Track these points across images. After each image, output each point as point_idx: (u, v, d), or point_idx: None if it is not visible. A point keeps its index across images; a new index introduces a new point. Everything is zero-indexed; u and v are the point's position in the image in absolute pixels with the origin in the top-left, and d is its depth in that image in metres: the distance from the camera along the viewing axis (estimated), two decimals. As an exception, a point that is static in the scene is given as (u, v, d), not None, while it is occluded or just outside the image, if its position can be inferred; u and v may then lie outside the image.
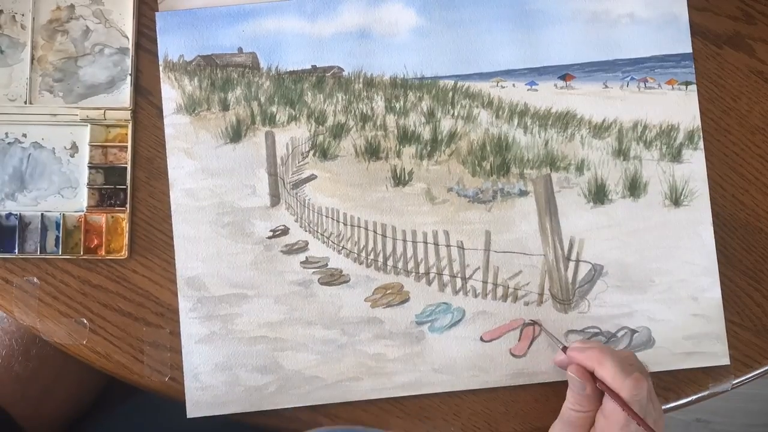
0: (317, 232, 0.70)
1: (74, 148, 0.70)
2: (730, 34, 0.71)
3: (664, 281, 0.69)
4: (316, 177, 0.71)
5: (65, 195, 0.70)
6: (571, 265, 0.70)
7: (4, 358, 0.71)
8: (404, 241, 0.70)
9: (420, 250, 0.70)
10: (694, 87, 0.71)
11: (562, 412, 0.64)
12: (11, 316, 0.69)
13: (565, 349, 0.65)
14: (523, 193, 0.70)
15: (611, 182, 0.70)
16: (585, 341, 0.67)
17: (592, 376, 0.62)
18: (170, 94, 0.71)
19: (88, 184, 0.70)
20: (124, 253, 0.69)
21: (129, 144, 0.70)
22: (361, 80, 0.71)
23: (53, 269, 0.69)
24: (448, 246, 0.70)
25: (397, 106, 0.71)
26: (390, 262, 0.70)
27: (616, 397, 0.60)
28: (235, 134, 0.71)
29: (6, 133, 0.70)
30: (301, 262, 0.70)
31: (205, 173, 0.70)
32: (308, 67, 0.71)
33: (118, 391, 0.80)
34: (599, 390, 0.62)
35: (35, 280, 0.69)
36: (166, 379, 0.69)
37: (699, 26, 0.71)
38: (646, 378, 0.60)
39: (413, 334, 0.69)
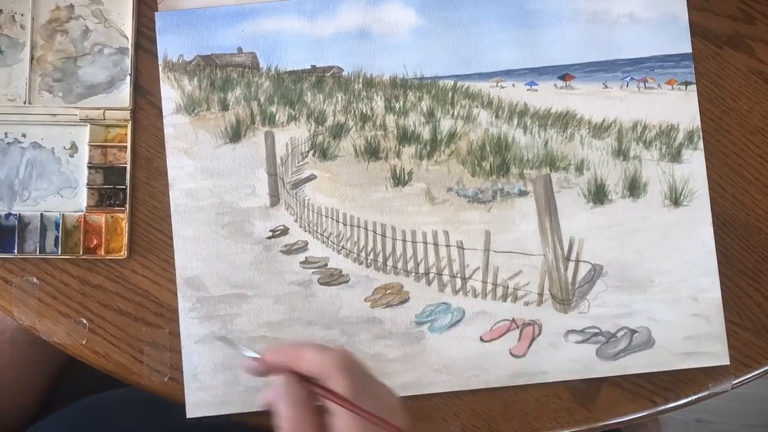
0: (317, 232, 0.70)
1: (74, 148, 0.70)
2: (730, 34, 0.71)
3: (664, 281, 0.69)
4: (315, 177, 0.71)
5: (65, 195, 0.70)
6: (571, 265, 0.70)
7: None
8: (404, 241, 0.70)
9: (420, 250, 0.70)
10: (693, 87, 0.71)
11: None
12: (10, 316, 0.69)
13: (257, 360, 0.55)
14: (522, 193, 0.70)
15: (611, 182, 0.70)
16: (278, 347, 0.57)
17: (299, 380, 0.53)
18: (170, 94, 0.70)
19: (87, 184, 0.70)
20: (123, 253, 0.69)
21: (128, 144, 0.70)
22: (360, 80, 0.71)
23: (53, 269, 0.69)
24: (447, 246, 0.70)
25: (397, 106, 0.71)
26: (390, 262, 0.70)
27: (330, 393, 0.52)
28: (235, 134, 0.71)
29: (5, 133, 0.70)
30: (300, 262, 0.70)
31: (205, 173, 0.70)
32: (308, 67, 0.71)
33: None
34: (308, 394, 0.53)
35: (35, 280, 0.69)
36: (166, 379, 0.69)
37: (699, 26, 0.71)
38: (345, 349, 0.54)
39: (413, 334, 0.69)
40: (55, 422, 0.73)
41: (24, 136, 0.70)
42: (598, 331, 0.69)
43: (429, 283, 0.70)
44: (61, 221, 0.69)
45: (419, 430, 0.69)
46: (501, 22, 0.71)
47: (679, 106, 0.71)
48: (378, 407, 0.53)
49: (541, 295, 0.69)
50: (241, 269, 0.69)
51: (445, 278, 0.70)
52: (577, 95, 0.71)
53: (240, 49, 0.71)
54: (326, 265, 0.70)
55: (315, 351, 0.53)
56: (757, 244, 0.70)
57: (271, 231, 0.70)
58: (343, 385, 0.52)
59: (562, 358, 0.69)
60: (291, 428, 0.52)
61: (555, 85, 0.71)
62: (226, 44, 0.71)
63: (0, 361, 0.74)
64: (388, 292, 0.70)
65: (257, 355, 0.55)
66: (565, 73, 0.71)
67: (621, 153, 0.71)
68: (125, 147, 0.70)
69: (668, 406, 0.69)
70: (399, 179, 0.70)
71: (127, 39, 0.70)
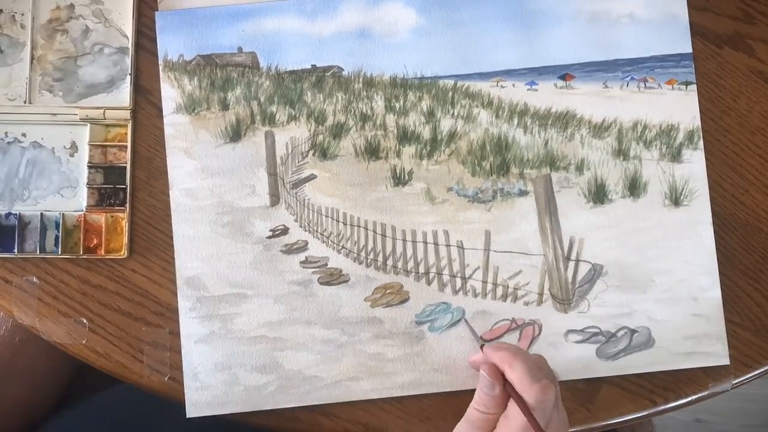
0: (317, 231, 0.70)
1: (74, 147, 0.70)
2: (730, 34, 0.71)
3: (664, 281, 0.69)
4: (315, 177, 0.71)
5: (65, 194, 0.70)
6: (571, 264, 0.70)
7: None
8: (404, 240, 0.70)
9: (420, 250, 0.70)
10: (694, 87, 0.71)
11: (468, 412, 0.62)
12: (11, 315, 0.69)
13: (483, 346, 0.65)
14: (522, 193, 0.70)
15: (611, 182, 0.70)
16: (501, 343, 0.66)
17: (503, 379, 0.61)
18: (170, 94, 0.71)
19: (87, 184, 0.70)
20: (123, 253, 0.69)
21: (128, 143, 0.70)
22: (360, 80, 0.71)
23: (53, 269, 0.69)
24: (447, 246, 0.70)
25: (397, 105, 0.71)
26: (390, 262, 0.70)
27: (519, 400, 0.59)
28: (235, 134, 0.71)
29: (5, 133, 0.70)
30: (300, 262, 0.70)
31: (205, 173, 0.70)
32: (308, 66, 0.71)
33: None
34: (507, 394, 0.60)
35: (35, 279, 0.69)
36: (166, 378, 0.69)
37: (699, 26, 0.71)
38: (553, 385, 0.60)
39: (413, 333, 0.69)
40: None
41: (24, 135, 0.70)
42: (598, 330, 0.69)
43: (429, 283, 0.70)
44: (61, 221, 0.69)
45: (419, 430, 0.69)
46: (501, 22, 0.71)
47: (679, 106, 0.71)
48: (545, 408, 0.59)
49: (541, 294, 0.69)
50: (241, 269, 0.69)
51: (445, 278, 0.70)
52: (577, 95, 0.71)
53: (240, 49, 0.71)
54: (326, 264, 0.70)
55: (525, 374, 0.59)
56: (757, 244, 0.70)
57: (271, 231, 0.70)
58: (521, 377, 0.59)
59: (562, 358, 0.69)
60: (479, 413, 0.61)
61: (555, 85, 0.71)
62: (227, 44, 0.71)
63: (9, 371, 0.74)
64: (388, 291, 0.70)
65: (481, 343, 0.66)
66: (565, 73, 0.71)
67: (621, 153, 0.71)
68: (125, 146, 0.70)
69: (668, 406, 0.69)
70: (399, 179, 0.70)
71: (128, 38, 0.70)
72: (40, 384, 0.78)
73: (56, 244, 0.69)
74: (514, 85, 0.71)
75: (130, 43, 0.70)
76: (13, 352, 0.72)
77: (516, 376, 0.59)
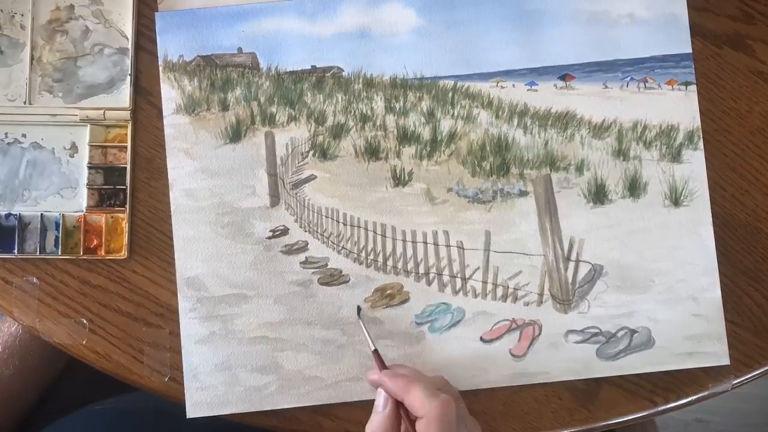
0: (317, 232, 0.70)
1: (74, 148, 0.70)
2: (730, 34, 0.71)
3: (664, 281, 0.69)
4: (315, 177, 0.71)
5: (65, 195, 0.70)
6: (571, 265, 0.70)
7: None
8: (404, 241, 0.70)
9: (420, 251, 0.70)
10: (693, 87, 0.71)
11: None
12: (11, 316, 0.69)
13: (376, 352, 0.65)
14: (522, 194, 0.70)
15: (611, 182, 0.70)
16: (398, 366, 0.66)
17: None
18: (170, 95, 0.71)
19: (87, 185, 0.70)
20: (123, 254, 0.69)
21: (128, 144, 0.70)
22: (360, 80, 0.71)
23: (53, 269, 0.69)
24: (447, 246, 0.70)
25: (397, 106, 0.71)
26: (390, 263, 0.70)
27: (411, 424, 0.59)
28: (235, 134, 0.71)
29: (6, 134, 0.70)
30: (300, 263, 0.70)
31: (205, 173, 0.70)
32: (308, 67, 0.71)
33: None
34: (399, 416, 0.61)
35: (35, 280, 0.69)
36: (166, 379, 0.69)
37: (699, 26, 0.71)
38: (456, 400, 0.60)
39: (413, 334, 0.69)
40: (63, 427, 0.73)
41: (24, 136, 0.70)
42: (598, 331, 0.69)
43: (429, 283, 0.70)
44: (61, 221, 0.69)
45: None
46: (501, 22, 0.71)
47: (679, 106, 0.71)
48: None
49: (541, 295, 0.69)
50: (242, 269, 0.69)
51: (445, 278, 0.70)
52: (577, 95, 0.71)
53: (240, 50, 0.71)
54: (326, 265, 0.70)
55: (423, 395, 0.58)
56: (757, 244, 0.70)
57: (271, 231, 0.70)
58: None
59: (562, 358, 0.69)
60: (374, 427, 0.61)
61: (555, 85, 0.71)
62: (226, 44, 0.71)
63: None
64: (388, 292, 0.70)
65: (377, 349, 0.65)
66: (565, 73, 0.71)
67: (621, 153, 0.71)
68: (125, 147, 0.70)
69: (668, 406, 0.69)
70: (399, 179, 0.71)
71: (128, 39, 0.70)
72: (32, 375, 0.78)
73: (56, 245, 0.69)
74: (514, 85, 0.71)
75: (130, 44, 0.70)
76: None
77: (415, 399, 0.59)
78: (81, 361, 0.69)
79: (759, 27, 0.71)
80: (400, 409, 0.61)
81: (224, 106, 0.71)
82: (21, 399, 0.78)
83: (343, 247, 0.70)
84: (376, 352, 0.65)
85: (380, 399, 0.62)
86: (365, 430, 0.61)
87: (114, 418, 0.77)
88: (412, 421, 0.60)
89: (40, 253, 0.69)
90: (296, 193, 0.70)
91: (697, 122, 0.71)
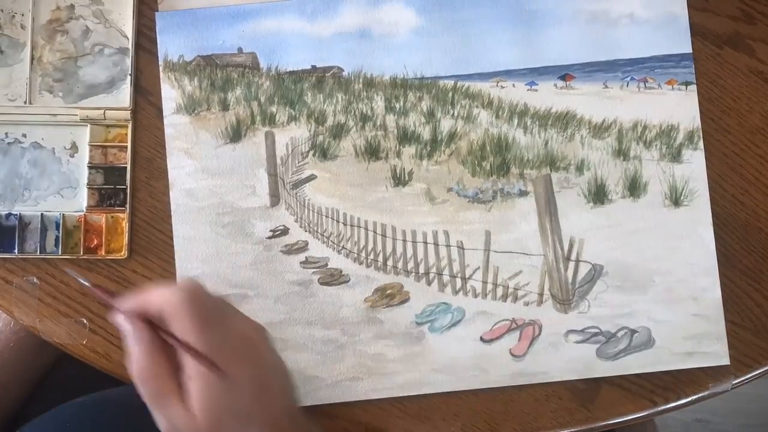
0: (317, 232, 0.70)
1: (74, 148, 0.70)
2: (730, 34, 0.71)
3: (664, 281, 0.69)
4: (315, 177, 0.71)
5: (65, 195, 0.70)
6: (571, 265, 0.70)
7: None
8: (404, 241, 0.70)
9: (420, 250, 0.70)
10: (694, 87, 0.71)
11: (146, 400, 0.52)
12: (11, 316, 0.69)
13: (98, 287, 0.55)
14: (523, 193, 0.70)
15: (611, 182, 0.70)
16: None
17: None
18: (170, 94, 0.71)
19: (87, 184, 0.70)
20: (123, 253, 0.69)
21: (129, 144, 0.70)
22: (360, 80, 0.71)
23: (53, 269, 0.69)
24: (448, 246, 0.70)
25: (397, 106, 0.71)
26: (390, 262, 0.70)
27: (181, 343, 0.51)
28: (235, 134, 0.71)
29: (6, 133, 0.70)
30: (300, 262, 0.70)
31: (205, 173, 0.70)
32: (308, 67, 0.71)
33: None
34: (160, 340, 0.52)
35: (35, 280, 0.69)
36: (166, 379, 0.68)
37: (699, 26, 0.71)
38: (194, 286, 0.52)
39: (413, 334, 0.69)
40: (44, 423, 0.73)
41: (24, 136, 0.70)
42: (598, 331, 0.69)
43: (429, 283, 0.70)
44: (61, 221, 0.69)
45: (419, 430, 0.69)
46: (501, 22, 0.71)
47: (679, 106, 0.71)
48: (224, 345, 0.51)
49: (541, 295, 0.69)
50: (242, 269, 0.69)
51: (446, 278, 0.70)
52: (577, 95, 0.71)
53: (240, 49, 0.71)
54: (326, 265, 0.70)
55: (160, 290, 0.51)
56: (757, 244, 0.70)
57: (271, 231, 0.70)
58: (187, 325, 0.50)
59: (562, 358, 0.69)
60: (141, 377, 0.51)
61: (555, 85, 0.71)
62: (227, 44, 0.71)
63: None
64: (389, 292, 0.70)
65: (89, 283, 0.55)
66: (565, 73, 0.71)
67: (621, 153, 0.71)
68: (126, 147, 0.70)
69: (668, 406, 0.69)
70: (399, 179, 0.71)
71: (128, 39, 0.70)
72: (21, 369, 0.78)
73: (56, 245, 0.69)
74: (514, 85, 0.71)
75: (130, 44, 0.70)
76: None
77: (154, 298, 0.51)
78: (76, 358, 0.69)
79: (759, 27, 0.71)
80: (157, 332, 0.52)
81: (224, 106, 0.71)
82: (6, 394, 0.77)
83: (343, 247, 0.70)
84: (97, 286, 0.55)
85: (130, 334, 0.52)
86: (133, 376, 0.52)
87: (98, 411, 0.77)
88: (171, 333, 0.51)
89: (40, 252, 0.69)
90: (296, 193, 0.70)
91: (697, 122, 0.71)
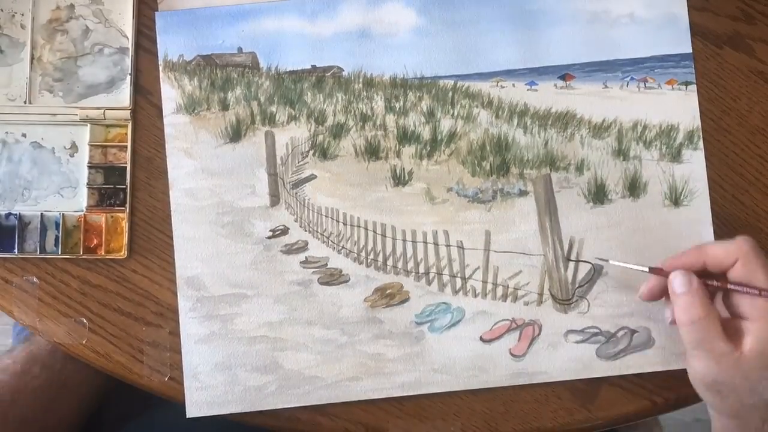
0: (317, 231, 0.70)
1: (74, 147, 0.70)
2: (730, 34, 0.71)
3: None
4: (315, 177, 0.71)
5: (65, 195, 0.70)
6: (571, 265, 0.70)
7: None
8: (404, 241, 0.70)
9: (420, 250, 0.70)
10: (694, 87, 0.71)
11: (684, 339, 0.60)
12: (11, 315, 0.69)
13: (654, 270, 0.63)
14: (522, 193, 0.70)
15: (611, 182, 0.70)
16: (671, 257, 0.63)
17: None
18: (170, 94, 0.71)
19: (87, 184, 0.70)
20: (123, 253, 0.69)
21: (129, 144, 0.70)
22: (360, 80, 0.71)
23: (53, 269, 0.69)
24: (447, 246, 0.70)
25: (397, 106, 0.71)
26: (390, 262, 0.70)
27: (742, 286, 0.58)
28: (235, 134, 0.71)
29: (6, 133, 0.70)
30: (300, 262, 0.70)
31: (205, 173, 0.70)
32: (308, 67, 0.71)
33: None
34: (706, 289, 0.59)
35: (35, 279, 0.69)
36: (166, 378, 0.69)
37: (699, 26, 0.71)
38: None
39: (413, 334, 0.69)
40: None
41: (24, 135, 0.70)
42: (597, 331, 0.69)
43: (429, 283, 0.70)
44: (61, 221, 0.69)
45: (419, 430, 0.69)
46: (501, 22, 0.71)
47: (679, 106, 0.71)
48: None
49: (541, 295, 0.69)
50: (241, 269, 0.69)
51: (445, 278, 0.70)
52: (577, 95, 0.71)
53: (240, 49, 0.71)
54: (326, 264, 0.70)
55: (722, 244, 0.59)
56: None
57: (271, 231, 0.70)
58: (759, 269, 0.58)
59: (562, 358, 0.69)
60: (691, 319, 0.58)
61: (555, 85, 0.71)
62: (226, 44, 0.71)
63: (32, 386, 0.73)
64: (388, 292, 0.70)
65: (651, 267, 0.63)
66: (565, 73, 0.71)
67: (621, 153, 0.71)
68: (125, 147, 0.70)
69: (668, 406, 0.69)
70: (399, 179, 0.71)
71: (128, 39, 0.70)
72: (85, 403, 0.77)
73: (56, 244, 0.69)
74: (514, 85, 0.71)
75: (130, 44, 0.70)
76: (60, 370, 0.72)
77: (715, 251, 0.59)
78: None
79: (759, 27, 0.71)
80: (709, 280, 0.60)
81: (224, 106, 0.71)
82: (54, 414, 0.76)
83: (343, 247, 0.70)
84: (652, 269, 0.63)
85: (678, 280, 0.60)
86: (677, 315, 0.59)
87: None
88: (721, 280, 0.59)
89: (40, 252, 0.69)
90: (296, 193, 0.70)
91: (697, 122, 0.71)
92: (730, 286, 0.59)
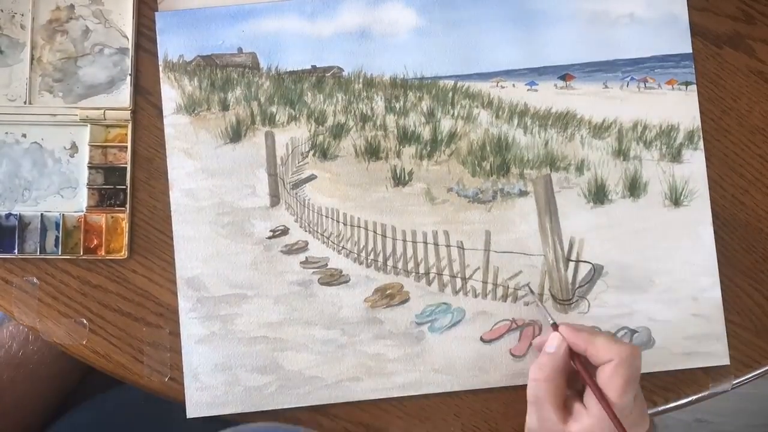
0: (317, 232, 0.70)
1: (74, 148, 0.70)
2: (730, 34, 0.71)
3: (664, 281, 0.69)
4: (316, 177, 0.71)
5: (65, 195, 0.70)
6: (571, 265, 0.70)
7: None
8: (404, 241, 0.70)
9: (420, 250, 0.70)
10: (694, 87, 0.71)
11: (528, 392, 0.62)
12: (11, 316, 0.69)
13: (555, 326, 0.64)
14: (523, 193, 0.70)
15: (611, 182, 0.70)
16: (576, 324, 0.65)
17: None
18: (170, 94, 0.71)
19: (87, 185, 0.70)
20: (123, 253, 0.69)
21: (129, 144, 0.70)
22: (360, 80, 0.71)
23: (53, 269, 0.69)
24: (448, 246, 0.70)
25: (397, 106, 0.71)
26: (390, 262, 0.70)
27: (592, 382, 0.60)
28: (235, 134, 0.71)
29: (5, 133, 0.70)
30: (300, 262, 0.70)
31: (205, 173, 0.70)
32: (308, 67, 0.71)
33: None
34: (569, 362, 0.62)
35: (35, 280, 0.69)
36: (166, 379, 0.69)
37: (699, 26, 0.71)
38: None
39: (413, 334, 0.69)
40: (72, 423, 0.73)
41: (24, 136, 0.70)
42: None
43: (429, 283, 0.70)
44: (61, 221, 0.69)
45: (419, 430, 0.69)
46: (501, 22, 0.71)
47: (679, 106, 0.71)
48: (632, 413, 0.59)
49: (541, 295, 0.69)
50: (241, 269, 0.69)
51: (446, 278, 0.70)
52: (577, 95, 0.71)
53: (240, 49, 0.71)
54: (326, 265, 0.70)
55: (609, 341, 0.60)
56: (757, 244, 0.70)
57: (271, 231, 0.70)
58: (617, 385, 0.58)
59: (563, 358, 0.69)
60: (540, 377, 0.61)
61: (555, 85, 0.71)
62: (227, 44, 0.71)
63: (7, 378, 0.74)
64: (389, 292, 0.70)
65: (555, 322, 0.64)
66: (565, 73, 0.71)
67: (621, 153, 0.71)
68: (125, 147, 0.70)
69: (668, 406, 0.69)
70: (399, 179, 0.71)
71: (128, 39, 0.70)
72: (47, 386, 0.78)
73: (56, 245, 0.69)
74: (514, 85, 0.71)
75: (130, 44, 0.70)
76: (23, 353, 0.72)
77: (599, 345, 0.59)
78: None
79: (759, 27, 0.71)
80: (575, 360, 0.62)
81: (224, 106, 0.71)
82: (29, 404, 0.77)
83: (343, 247, 0.70)
84: (554, 324, 0.64)
85: (553, 341, 0.62)
86: (530, 370, 0.61)
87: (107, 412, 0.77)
88: (588, 371, 0.60)
89: (40, 253, 0.69)
90: (296, 193, 0.70)
91: (697, 122, 0.71)
92: (584, 380, 0.61)
